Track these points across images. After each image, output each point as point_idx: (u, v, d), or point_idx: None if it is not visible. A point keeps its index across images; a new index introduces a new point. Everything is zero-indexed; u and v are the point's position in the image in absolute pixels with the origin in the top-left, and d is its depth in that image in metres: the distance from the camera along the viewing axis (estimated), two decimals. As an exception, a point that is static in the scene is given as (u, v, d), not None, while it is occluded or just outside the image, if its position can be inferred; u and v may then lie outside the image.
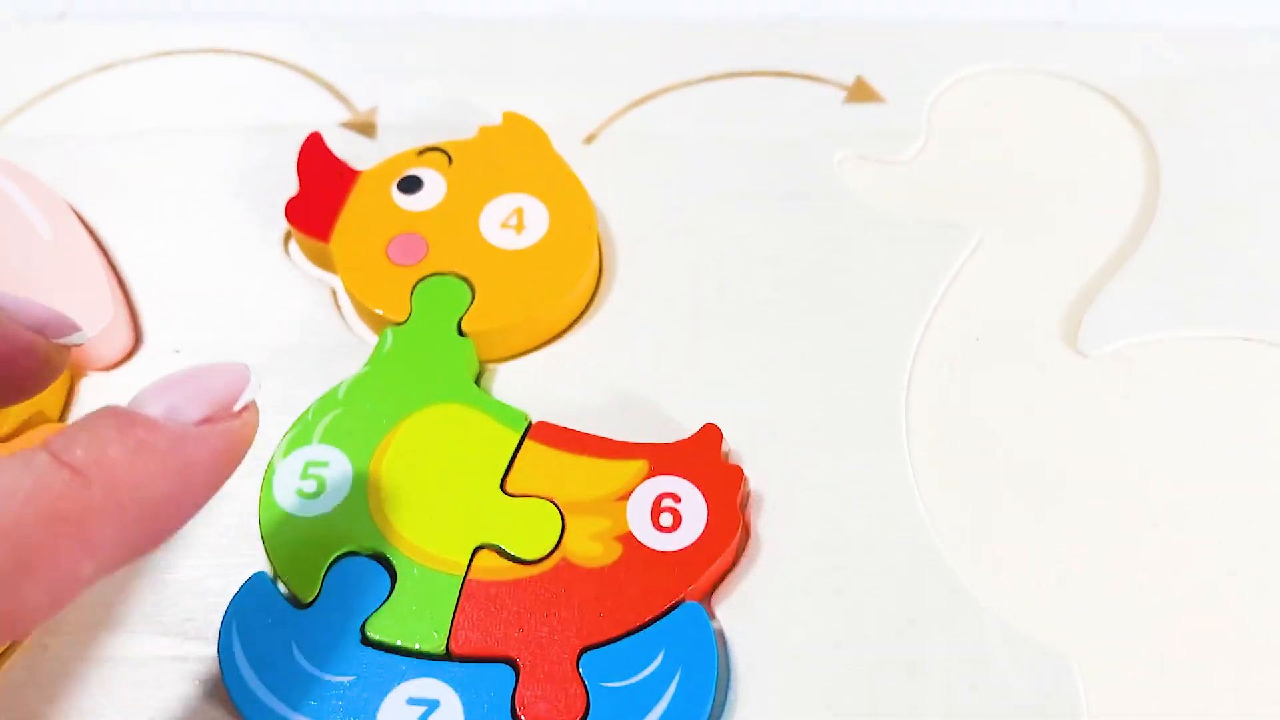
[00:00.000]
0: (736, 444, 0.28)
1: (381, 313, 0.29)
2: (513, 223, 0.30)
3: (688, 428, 0.28)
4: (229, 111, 0.34)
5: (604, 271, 0.31)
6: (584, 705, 0.24)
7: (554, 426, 0.27)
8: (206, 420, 0.20)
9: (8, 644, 0.26)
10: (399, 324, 0.29)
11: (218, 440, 0.21)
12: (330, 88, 0.35)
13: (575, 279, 0.29)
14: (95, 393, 0.29)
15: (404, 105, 0.34)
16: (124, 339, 0.30)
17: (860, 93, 0.34)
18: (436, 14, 0.38)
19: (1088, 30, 0.35)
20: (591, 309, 0.30)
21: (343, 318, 0.30)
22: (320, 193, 0.31)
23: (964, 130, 0.33)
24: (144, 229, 0.32)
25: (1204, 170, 0.32)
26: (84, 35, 0.36)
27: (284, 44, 0.35)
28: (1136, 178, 0.32)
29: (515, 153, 0.31)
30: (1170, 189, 0.32)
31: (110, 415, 0.20)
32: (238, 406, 0.21)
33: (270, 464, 0.27)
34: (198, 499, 0.20)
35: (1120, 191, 0.32)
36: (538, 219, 0.30)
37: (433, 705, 0.24)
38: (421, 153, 0.31)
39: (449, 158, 0.31)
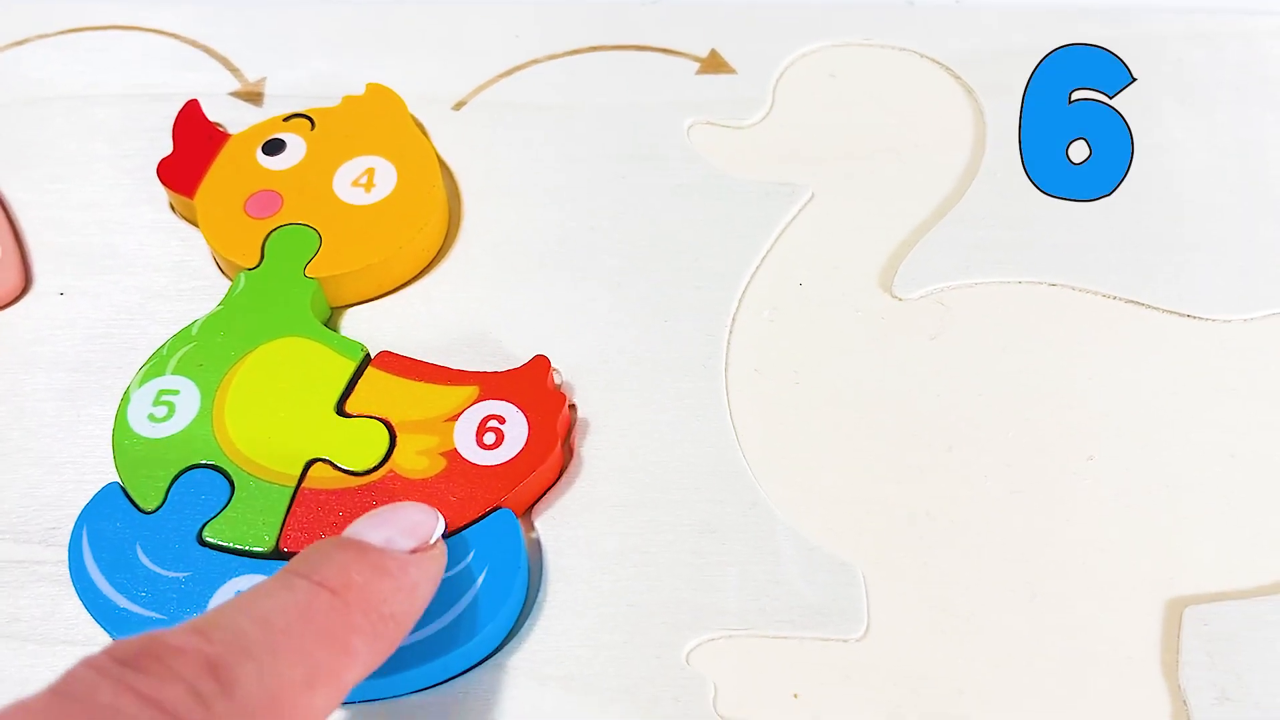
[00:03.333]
0: (569, 377, 0.30)
1: (234, 260, 0.31)
2: (363, 181, 0.32)
3: (519, 359, 0.30)
4: (129, 82, 0.37)
5: (457, 224, 0.33)
6: (395, 597, 0.26)
7: (396, 356, 0.30)
8: (415, 551, 0.24)
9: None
10: (251, 269, 0.31)
11: (431, 565, 0.24)
12: (224, 60, 0.37)
13: (416, 230, 0.31)
14: (-18, 330, 0.32)
15: (289, 78, 0.37)
16: (14, 280, 0.32)
17: (712, 64, 0.36)
18: (328, -5, 0.40)
19: (932, 9, 0.38)
20: (439, 259, 0.32)
21: (216, 268, 0.33)
22: (190, 154, 0.33)
23: (807, 99, 0.35)
24: (42, 187, 0.34)
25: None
26: (1, 11, 0.39)
27: (182, 21, 0.38)
28: (964, 143, 0.34)
29: (373, 119, 0.33)
30: (992, 152, 0.34)
31: (346, 545, 0.23)
32: (432, 540, 0.24)
33: (126, 393, 0.29)
34: (418, 614, 0.24)
35: (947, 154, 0.34)
36: (387, 178, 0.32)
37: (257, 597, 0.26)
38: (287, 119, 0.34)
39: (312, 123, 0.33)
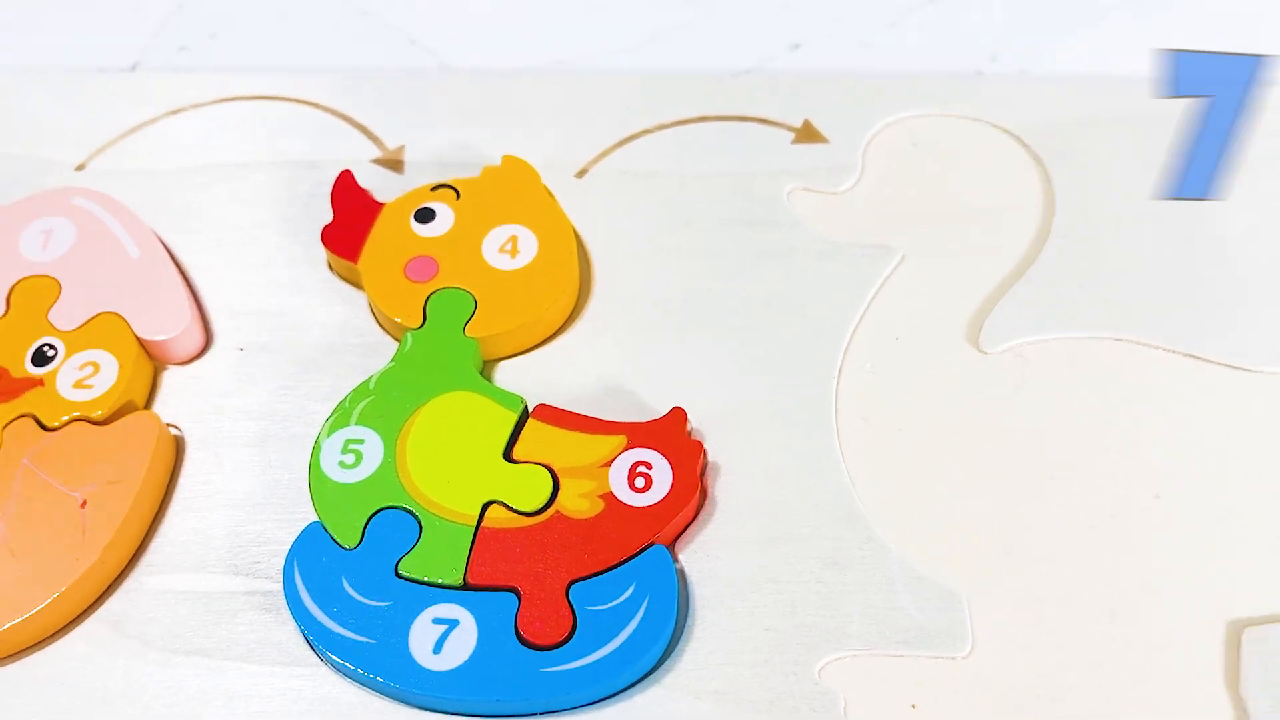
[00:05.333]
0: (700, 424, 0.34)
1: (399, 320, 0.35)
2: (509, 248, 0.36)
3: (659, 411, 0.34)
4: (279, 149, 0.41)
5: (589, 285, 0.37)
6: (571, 624, 0.30)
7: (552, 408, 0.34)
8: None
9: (109, 582, 0.32)
10: (416, 329, 0.35)
11: None
12: (364, 130, 0.41)
13: (558, 294, 0.36)
14: (175, 382, 0.36)
15: (425, 145, 0.41)
16: (197, 339, 0.36)
17: (807, 134, 0.40)
18: (452, 65, 0.44)
19: (999, 80, 0.42)
20: (577, 316, 0.37)
21: (375, 324, 0.37)
22: (350, 221, 0.37)
23: (893, 165, 0.40)
24: (211, 248, 0.39)
25: (1090, 200, 0.39)
26: (154, 84, 0.43)
27: (325, 92, 0.42)
28: (1034, 206, 0.39)
29: (512, 189, 0.38)
30: (1061, 216, 0.38)
31: None
32: None
33: (316, 442, 0.33)
34: None
35: (1020, 217, 0.38)
36: (529, 245, 0.36)
37: (454, 624, 0.30)
38: (434, 188, 0.38)
39: (457, 193, 0.38)
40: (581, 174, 0.40)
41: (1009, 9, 0.45)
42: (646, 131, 0.41)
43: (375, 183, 0.39)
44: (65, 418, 0.33)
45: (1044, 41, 0.44)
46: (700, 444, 0.33)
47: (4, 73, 0.43)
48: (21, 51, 0.46)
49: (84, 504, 0.32)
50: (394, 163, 0.40)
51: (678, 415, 0.33)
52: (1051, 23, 0.45)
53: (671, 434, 0.33)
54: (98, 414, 0.34)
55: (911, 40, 0.44)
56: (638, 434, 0.33)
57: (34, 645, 0.31)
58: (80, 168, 0.40)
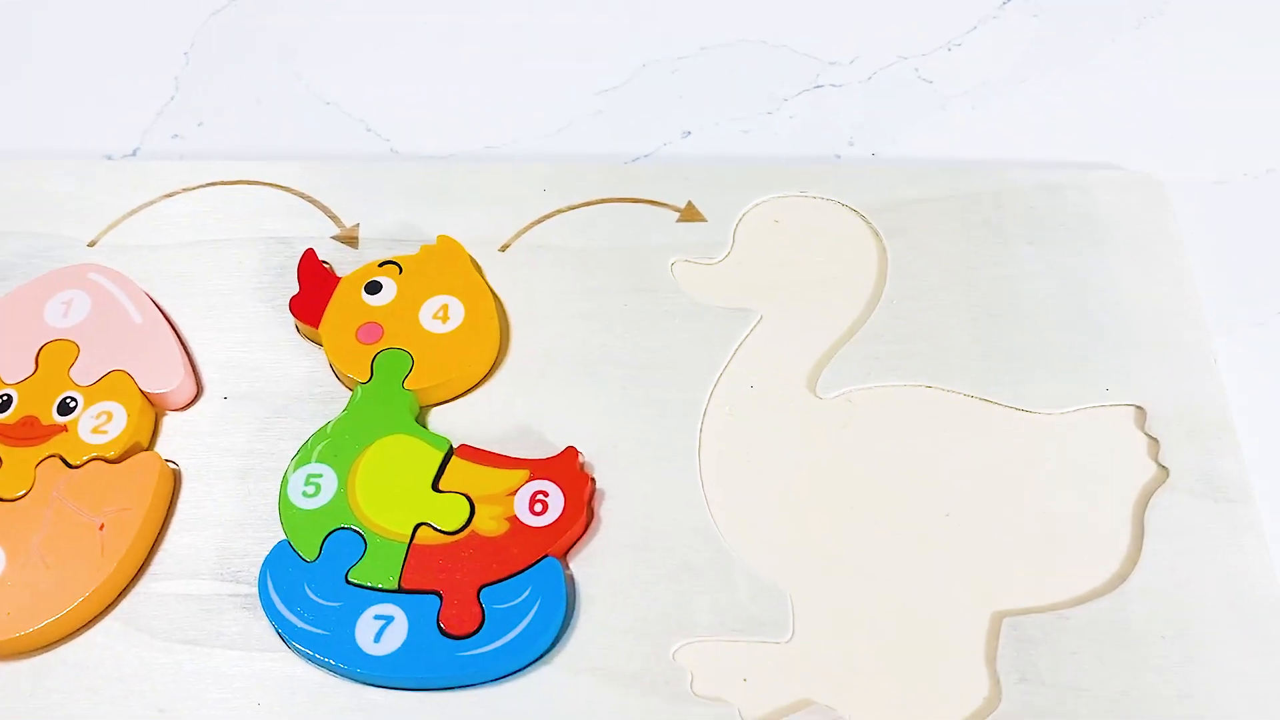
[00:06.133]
0: (590, 456, 0.43)
1: (351, 376, 0.44)
2: (440, 315, 0.45)
3: (560, 446, 0.43)
4: (255, 227, 0.49)
5: (508, 342, 0.46)
6: (480, 619, 0.39)
7: (471, 448, 0.43)
8: None
9: (122, 589, 0.41)
10: (364, 383, 0.44)
11: None
12: (326, 210, 0.50)
13: (481, 353, 0.44)
14: (173, 426, 0.45)
15: (376, 223, 0.49)
16: (190, 390, 0.45)
17: (689, 214, 0.49)
18: (401, 150, 0.53)
19: (852, 164, 0.51)
20: (497, 369, 0.45)
21: (334, 377, 0.46)
22: (312, 293, 0.46)
23: (758, 241, 0.48)
24: (201, 312, 0.47)
25: (914, 270, 0.47)
26: (153, 170, 0.51)
27: (294, 177, 0.50)
28: (869, 275, 0.48)
29: (444, 265, 0.46)
30: (891, 285, 0.47)
31: None
32: None
33: (284, 476, 0.42)
34: None
35: (857, 285, 0.47)
36: (457, 313, 0.45)
37: (390, 619, 0.39)
38: (381, 264, 0.47)
39: (400, 268, 0.46)
40: (504, 248, 0.49)
41: (866, 101, 0.54)
42: (559, 211, 0.49)
43: (334, 256, 0.48)
44: (86, 457, 0.42)
45: (893, 128, 0.53)
46: (588, 476, 0.42)
47: (27, 158, 0.52)
48: (40, 134, 0.55)
49: (102, 527, 0.41)
50: (350, 239, 0.49)
51: (570, 453, 0.42)
52: (901, 112, 0.54)
53: (565, 468, 0.42)
54: (111, 454, 0.42)
55: (784, 127, 0.53)
56: (538, 469, 0.42)
57: (63, 639, 0.40)
58: (92, 244, 0.49)
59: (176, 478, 0.43)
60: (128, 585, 0.41)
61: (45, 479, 0.42)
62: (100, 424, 0.43)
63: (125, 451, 0.42)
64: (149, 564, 0.41)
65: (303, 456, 0.42)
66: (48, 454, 0.42)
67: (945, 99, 0.54)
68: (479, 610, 0.39)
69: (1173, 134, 0.53)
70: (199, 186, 0.51)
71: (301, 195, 0.50)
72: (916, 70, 0.55)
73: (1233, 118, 0.53)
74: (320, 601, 0.39)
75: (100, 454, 0.42)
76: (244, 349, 0.46)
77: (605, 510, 0.42)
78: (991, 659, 0.39)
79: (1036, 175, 0.50)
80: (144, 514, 0.41)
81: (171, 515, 0.42)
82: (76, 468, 0.42)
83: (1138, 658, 0.39)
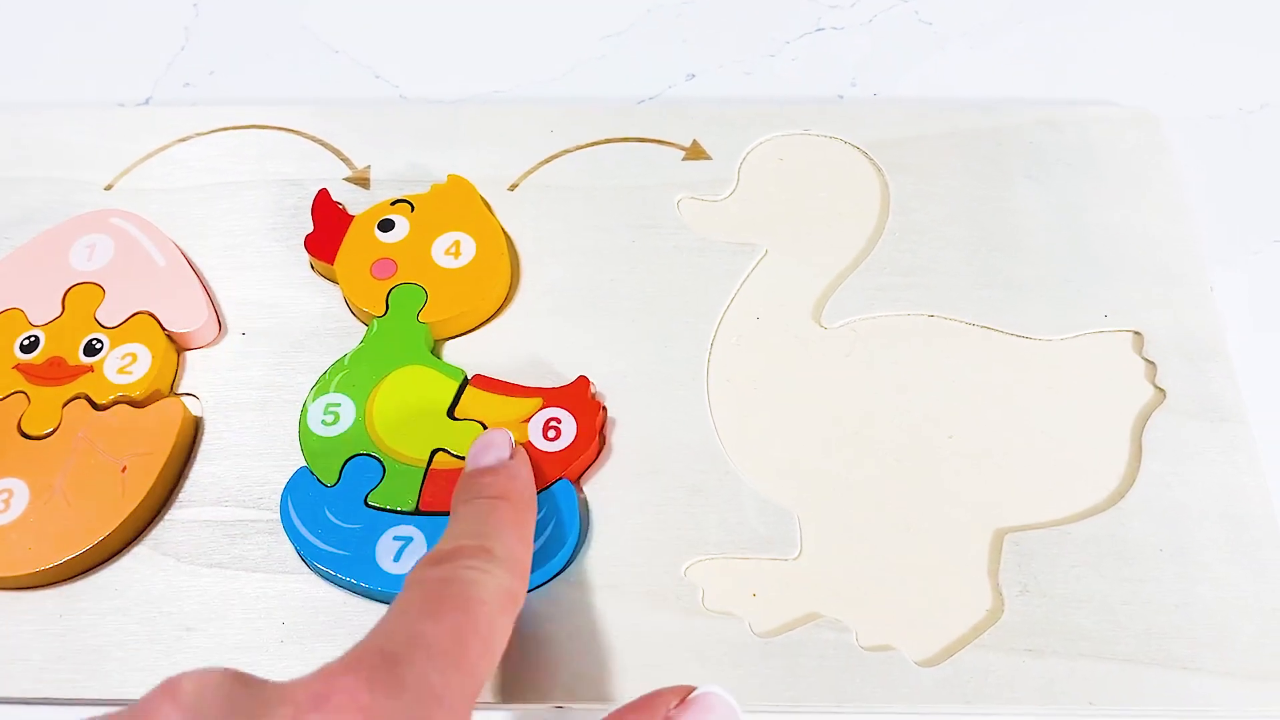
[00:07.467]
0: (602, 386, 0.44)
1: (367, 310, 0.45)
2: (453, 251, 0.46)
3: (570, 377, 0.44)
4: (268, 170, 0.50)
5: (518, 278, 0.47)
6: (497, 538, 0.40)
7: (486, 378, 0.44)
8: (512, 456, 0.39)
9: (144, 524, 0.42)
10: (380, 316, 0.45)
11: (524, 463, 0.40)
12: (337, 152, 0.51)
13: (493, 287, 0.46)
14: (195, 361, 0.46)
15: (387, 165, 0.50)
16: (212, 328, 0.46)
17: (695, 153, 0.50)
18: (409, 95, 0.54)
19: (855, 103, 0.52)
20: (507, 304, 0.46)
21: (349, 312, 0.47)
22: (326, 231, 0.47)
23: (763, 178, 0.49)
24: (218, 252, 0.48)
25: (917, 205, 0.48)
26: (166, 116, 0.52)
27: (305, 121, 0.52)
28: (872, 211, 0.49)
29: (455, 203, 0.47)
30: (893, 219, 0.48)
31: (483, 471, 0.39)
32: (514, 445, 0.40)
33: (304, 405, 0.43)
34: (533, 493, 0.40)
35: (860, 220, 0.48)
36: (469, 248, 0.46)
37: (409, 540, 0.40)
38: (394, 203, 0.48)
39: (412, 206, 0.47)
40: (513, 188, 0.50)
41: (867, 43, 0.55)
42: (566, 151, 0.50)
43: (346, 197, 0.49)
44: (112, 397, 0.43)
45: (894, 69, 0.54)
46: (600, 403, 0.43)
47: (43, 108, 0.53)
48: (55, 86, 0.55)
49: (124, 469, 0.42)
50: (361, 180, 0.50)
51: (581, 382, 0.43)
52: (901, 53, 0.55)
53: (577, 396, 0.43)
54: (137, 394, 0.43)
55: (787, 70, 0.54)
56: (551, 397, 0.43)
57: (97, 565, 0.41)
58: (109, 188, 0.50)
59: (199, 423, 0.44)
60: (151, 519, 0.42)
61: (71, 419, 0.43)
62: (126, 364, 0.44)
63: (150, 392, 0.44)
64: (177, 491, 0.43)
65: (321, 386, 0.43)
66: (74, 394, 0.43)
67: (944, 40, 0.55)
68: (495, 531, 0.40)
69: (1168, 70, 0.54)
70: (212, 131, 0.52)
71: (313, 139, 0.51)
72: (916, 12, 0.56)
73: (1228, 54, 0.54)
74: (340, 524, 0.41)
75: (126, 393, 0.43)
76: (260, 287, 0.47)
77: (616, 438, 0.43)
78: (994, 573, 0.41)
79: (1035, 112, 0.51)
80: (165, 458, 0.42)
81: (197, 445, 0.44)
82: (102, 408, 0.43)
83: (1136, 571, 0.40)
